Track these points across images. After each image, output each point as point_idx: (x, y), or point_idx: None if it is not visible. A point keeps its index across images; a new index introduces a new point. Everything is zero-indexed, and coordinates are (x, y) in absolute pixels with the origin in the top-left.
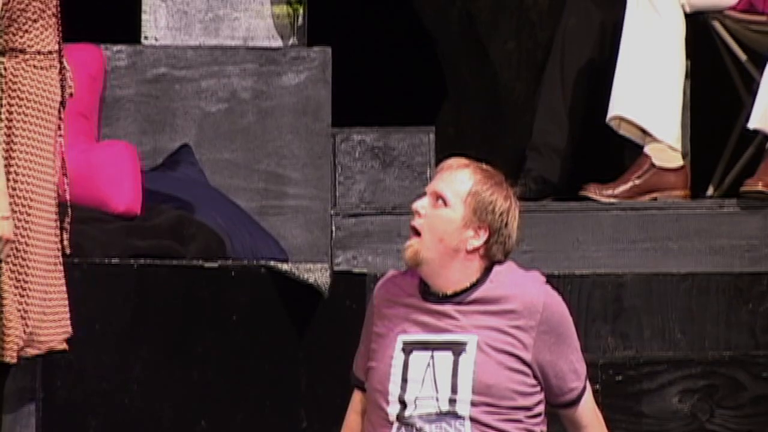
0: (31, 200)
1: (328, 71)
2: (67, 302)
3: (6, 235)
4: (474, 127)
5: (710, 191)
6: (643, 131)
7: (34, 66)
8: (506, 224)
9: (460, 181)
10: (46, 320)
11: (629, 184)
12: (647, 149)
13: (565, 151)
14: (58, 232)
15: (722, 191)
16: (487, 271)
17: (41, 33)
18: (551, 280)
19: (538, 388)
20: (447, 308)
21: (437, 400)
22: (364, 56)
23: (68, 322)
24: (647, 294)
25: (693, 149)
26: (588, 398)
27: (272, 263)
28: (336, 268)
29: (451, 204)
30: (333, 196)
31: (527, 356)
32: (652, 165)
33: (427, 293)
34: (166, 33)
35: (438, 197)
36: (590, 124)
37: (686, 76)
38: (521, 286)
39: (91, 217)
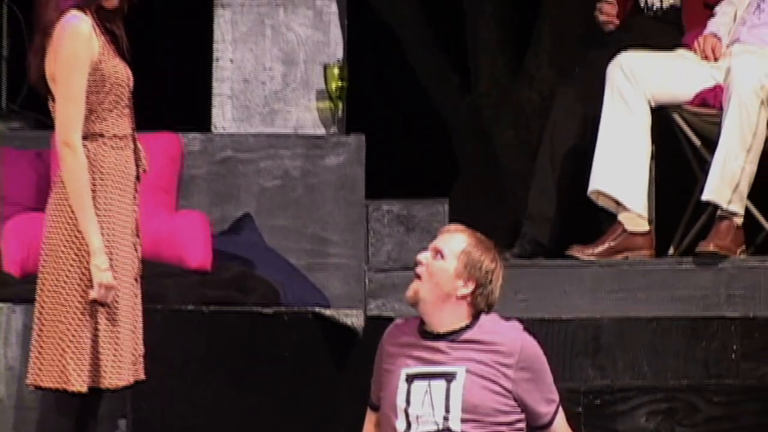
0: (115, 254)
1: (362, 154)
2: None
3: (109, 283)
4: (480, 200)
5: (671, 251)
6: (617, 202)
7: (111, 147)
8: (490, 281)
9: (456, 241)
10: (135, 353)
11: (606, 245)
12: (620, 217)
13: (554, 218)
14: (136, 282)
15: (681, 251)
16: (474, 319)
17: (116, 120)
18: (542, 323)
19: (519, 409)
20: (441, 345)
21: (434, 417)
22: (392, 141)
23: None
24: (620, 334)
25: (657, 217)
26: (560, 421)
27: (317, 309)
28: (369, 314)
29: (447, 258)
30: (366, 255)
31: (508, 385)
32: (624, 230)
33: (425, 333)
34: (231, 123)
35: (437, 252)
36: (574, 196)
37: (651, 158)
38: (504, 332)
39: (172, 272)
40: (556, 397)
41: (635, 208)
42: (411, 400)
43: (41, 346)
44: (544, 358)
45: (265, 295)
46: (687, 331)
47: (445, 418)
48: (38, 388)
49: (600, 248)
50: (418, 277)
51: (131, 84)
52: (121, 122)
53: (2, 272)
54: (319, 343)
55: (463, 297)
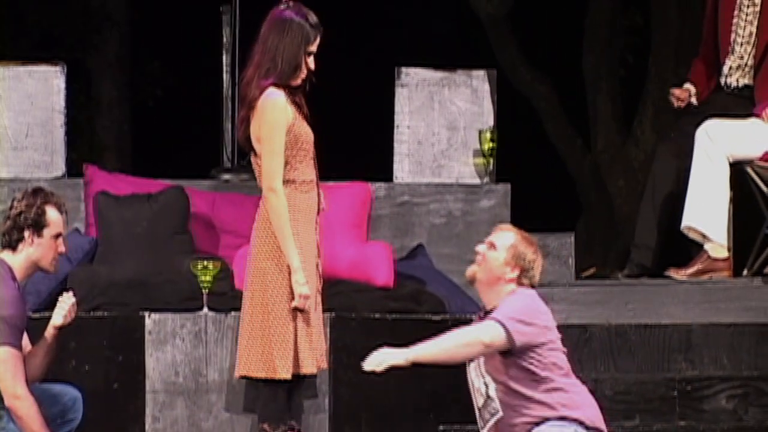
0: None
1: (508, 199)
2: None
3: (307, 294)
4: (598, 233)
5: (745, 272)
6: (704, 235)
7: (301, 191)
8: (532, 268)
9: (506, 237)
10: (318, 348)
11: (694, 268)
12: (706, 246)
13: (655, 248)
14: (318, 293)
15: (752, 272)
16: None
17: (305, 170)
18: (646, 327)
19: (535, 360)
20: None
21: (481, 388)
22: (531, 188)
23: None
24: (706, 336)
25: (735, 246)
26: (487, 323)
27: (474, 316)
28: None
29: (499, 249)
30: None
31: None
32: (709, 256)
33: (484, 312)
34: (408, 175)
35: (492, 245)
36: (671, 230)
37: (730, 201)
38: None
39: (363, 288)
40: (496, 316)
41: (718, 239)
42: (472, 377)
43: (251, 346)
44: (514, 303)
45: (434, 306)
46: (757, 334)
47: (486, 385)
48: (250, 378)
49: (690, 270)
50: (478, 263)
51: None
52: (308, 171)
53: (234, 289)
54: None
55: (511, 280)
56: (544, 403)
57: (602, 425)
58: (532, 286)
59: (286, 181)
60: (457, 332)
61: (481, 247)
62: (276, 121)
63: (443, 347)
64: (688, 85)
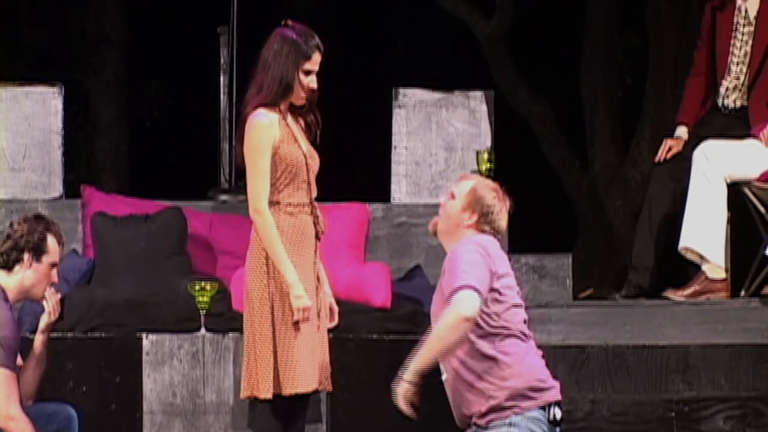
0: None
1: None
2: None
3: (306, 306)
4: (596, 255)
5: (743, 293)
6: (701, 256)
7: (286, 213)
8: (491, 212)
9: (465, 185)
10: (319, 370)
11: (692, 289)
12: (704, 267)
13: (653, 269)
14: (319, 316)
15: (750, 293)
16: None
17: (292, 192)
18: (644, 348)
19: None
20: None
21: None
22: (529, 209)
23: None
24: (703, 357)
25: (732, 267)
26: (456, 298)
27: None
28: None
29: (457, 198)
30: None
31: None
32: (707, 277)
33: None
34: (405, 196)
35: (451, 195)
36: (668, 251)
37: (728, 222)
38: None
39: (360, 310)
40: (460, 283)
41: (715, 260)
42: None
43: (245, 366)
44: (460, 257)
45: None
46: (755, 355)
47: None
48: (249, 398)
49: (688, 291)
50: (440, 215)
51: (312, 163)
52: (297, 194)
53: (232, 310)
54: None
55: (469, 226)
56: (475, 372)
57: (523, 399)
58: (495, 233)
59: (270, 203)
60: (437, 326)
61: (442, 199)
62: (257, 142)
63: (434, 347)
64: (681, 132)
